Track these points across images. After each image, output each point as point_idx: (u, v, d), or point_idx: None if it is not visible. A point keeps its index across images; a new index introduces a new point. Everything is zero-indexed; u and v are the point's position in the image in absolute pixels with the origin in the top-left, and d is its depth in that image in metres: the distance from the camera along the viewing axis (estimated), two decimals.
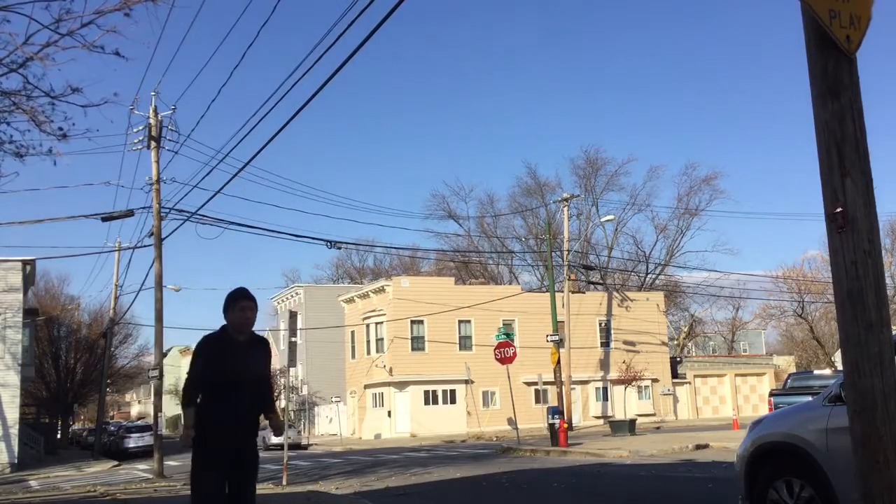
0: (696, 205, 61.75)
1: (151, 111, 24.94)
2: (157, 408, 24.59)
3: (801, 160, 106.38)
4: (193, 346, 5.94)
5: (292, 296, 61.13)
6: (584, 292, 47.69)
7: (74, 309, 55.79)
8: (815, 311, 57.61)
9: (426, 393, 42.98)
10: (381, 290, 44.91)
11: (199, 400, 5.73)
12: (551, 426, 25.69)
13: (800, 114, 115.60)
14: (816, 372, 26.51)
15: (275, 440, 36.99)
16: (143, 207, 25.70)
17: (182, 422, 5.84)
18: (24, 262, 31.82)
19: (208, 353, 5.73)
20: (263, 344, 6.11)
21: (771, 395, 22.69)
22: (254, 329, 6.01)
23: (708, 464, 16.69)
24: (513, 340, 31.00)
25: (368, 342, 45.54)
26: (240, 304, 5.77)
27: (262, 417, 6.10)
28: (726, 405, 50.61)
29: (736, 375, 53.08)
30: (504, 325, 40.70)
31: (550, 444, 24.90)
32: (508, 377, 28.78)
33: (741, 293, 61.89)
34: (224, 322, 5.87)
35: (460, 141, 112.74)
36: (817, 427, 6.03)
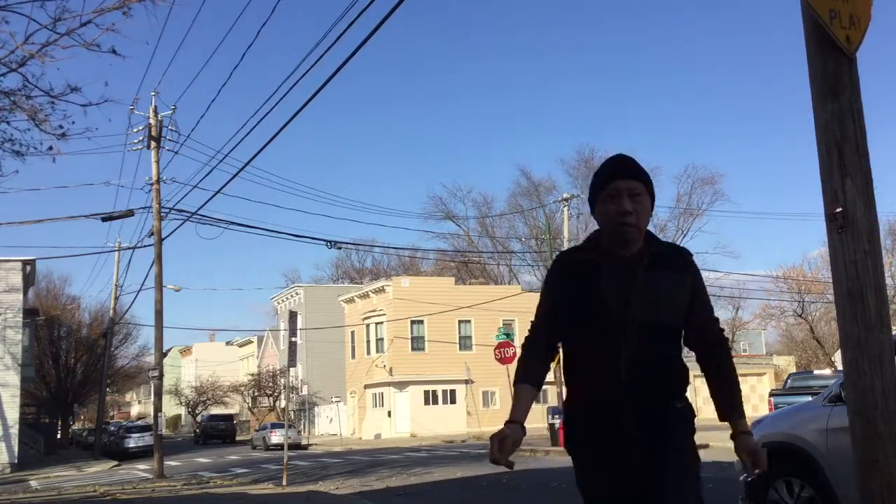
0: (697, 205, 61.83)
1: (151, 111, 24.97)
2: (157, 408, 24.57)
3: (801, 160, 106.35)
4: None
5: (292, 296, 61.12)
6: None
7: (75, 309, 55.84)
8: (815, 311, 57.56)
9: (426, 393, 42.97)
10: (381, 290, 44.90)
11: (546, 368, 3.05)
12: (551, 426, 25.71)
13: (800, 114, 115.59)
14: (816, 372, 26.46)
15: (275, 440, 36.54)
16: (143, 207, 25.76)
17: None
18: (25, 262, 31.82)
19: (564, 282, 3.02)
20: (679, 264, 3.12)
21: (771, 395, 22.65)
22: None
23: (708, 464, 16.65)
24: (513, 340, 30.96)
25: (368, 342, 45.53)
26: (612, 185, 2.95)
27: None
28: None
29: None
30: (504, 325, 40.63)
31: (550, 445, 24.89)
32: (508, 377, 28.71)
33: (741, 293, 61.89)
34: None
35: (458, 140, 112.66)
36: (817, 427, 6.04)
